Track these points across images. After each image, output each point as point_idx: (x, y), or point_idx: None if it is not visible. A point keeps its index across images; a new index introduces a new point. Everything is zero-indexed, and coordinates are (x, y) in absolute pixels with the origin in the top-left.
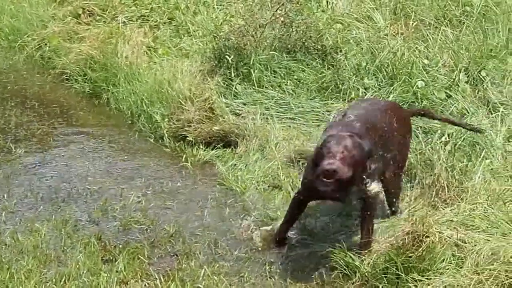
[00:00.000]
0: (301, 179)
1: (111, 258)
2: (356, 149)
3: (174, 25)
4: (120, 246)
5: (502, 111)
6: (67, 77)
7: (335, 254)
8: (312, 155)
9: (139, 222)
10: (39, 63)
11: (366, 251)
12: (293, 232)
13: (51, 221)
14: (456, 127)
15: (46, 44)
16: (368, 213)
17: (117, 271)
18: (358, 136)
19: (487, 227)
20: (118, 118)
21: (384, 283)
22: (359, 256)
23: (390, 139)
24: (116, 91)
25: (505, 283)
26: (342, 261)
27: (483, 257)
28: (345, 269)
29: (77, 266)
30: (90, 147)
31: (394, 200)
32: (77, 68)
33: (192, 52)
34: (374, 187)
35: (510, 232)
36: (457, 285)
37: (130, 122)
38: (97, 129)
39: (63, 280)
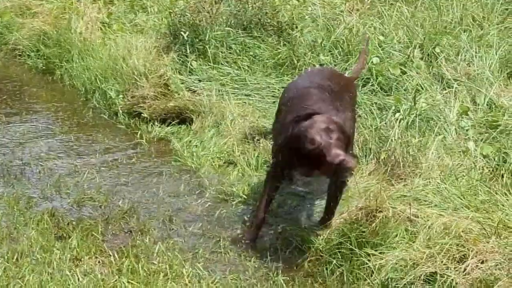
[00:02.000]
0: (273, 159)
1: (64, 235)
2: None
3: (129, 1)
4: (74, 223)
5: (455, 87)
6: (20, 53)
7: (290, 230)
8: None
9: (93, 199)
10: None
11: (327, 227)
12: (249, 209)
13: (3, 198)
14: None
15: None
16: (339, 190)
17: (70, 248)
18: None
19: (440, 202)
20: (72, 94)
21: (338, 257)
22: (314, 232)
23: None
24: (70, 67)
25: (456, 257)
26: (297, 236)
27: (435, 232)
28: (300, 245)
29: (30, 243)
30: (43, 124)
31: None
32: (30, 44)
33: (147, 28)
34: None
35: (462, 207)
36: (410, 259)
37: (84, 98)
38: (51, 106)
39: (15, 257)
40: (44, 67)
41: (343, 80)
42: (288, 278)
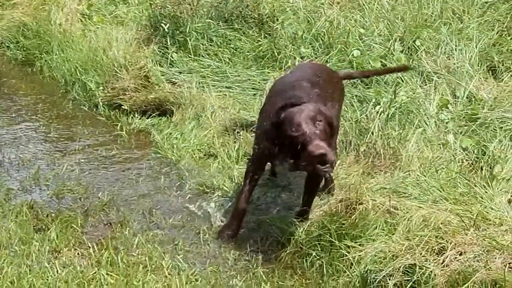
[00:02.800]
0: (255, 148)
1: (43, 227)
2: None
3: None
4: (53, 215)
5: (435, 80)
6: None
7: (269, 222)
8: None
9: (72, 191)
10: None
11: (305, 219)
12: (229, 201)
13: None
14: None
15: None
16: (316, 183)
17: (49, 240)
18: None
19: (419, 194)
20: (51, 86)
21: (318, 250)
22: (293, 224)
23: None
24: (50, 58)
25: (435, 249)
26: (277, 229)
27: (415, 224)
28: (279, 237)
29: (8, 235)
30: (23, 115)
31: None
32: (9, 35)
33: (128, 20)
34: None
35: (441, 199)
36: (389, 251)
37: (64, 90)
38: (30, 98)
39: None
40: (23, 59)
41: (333, 76)
42: (267, 270)
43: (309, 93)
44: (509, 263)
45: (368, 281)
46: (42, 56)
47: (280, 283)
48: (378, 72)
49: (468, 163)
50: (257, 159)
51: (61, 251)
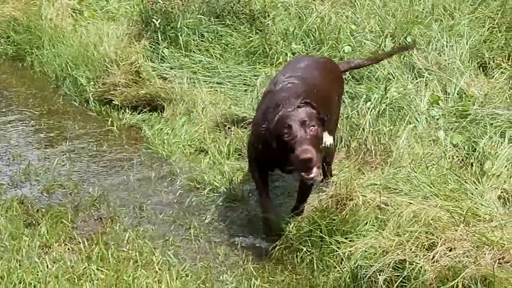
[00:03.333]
0: (249, 151)
1: (34, 222)
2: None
3: None
4: (43, 210)
5: (426, 77)
6: None
7: (260, 218)
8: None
9: (62, 186)
10: None
11: (297, 214)
12: (220, 197)
13: None
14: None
15: None
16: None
17: (39, 235)
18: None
19: (410, 190)
20: (42, 81)
21: (308, 245)
22: (284, 220)
23: (331, 99)
24: (41, 54)
25: (425, 244)
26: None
27: (405, 220)
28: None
29: None
30: (13, 111)
31: (328, 162)
32: (0, 30)
33: (119, 15)
34: (328, 139)
35: (431, 195)
36: (379, 247)
37: (54, 85)
38: (21, 93)
39: None
40: (14, 54)
41: (332, 69)
42: (258, 265)
43: (303, 93)
44: (499, 259)
45: (359, 276)
46: (33, 51)
47: (270, 278)
48: (377, 59)
49: (459, 159)
50: (254, 161)
51: (51, 246)
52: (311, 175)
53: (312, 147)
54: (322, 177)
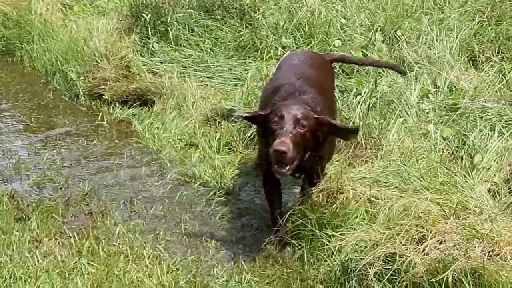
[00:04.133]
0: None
1: (24, 216)
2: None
3: None
4: (34, 204)
5: (416, 70)
6: None
7: (252, 212)
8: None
9: (53, 181)
10: None
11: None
12: (210, 190)
13: None
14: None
15: None
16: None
17: (30, 230)
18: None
19: (400, 183)
20: (32, 76)
21: (299, 239)
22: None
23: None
24: (30, 48)
25: (415, 237)
26: (259, 218)
27: (395, 213)
28: (261, 226)
29: None
30: (3, 105)
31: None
32: None
33: (109, 9)
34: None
35: (421, 189)
36: (370, 240)
37: (44, 80)
38: (11, 88)
39: None
40: (3, 49)
41: (322, 63)
42: (249, 259)
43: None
44: (489, 252)
45: (349, 269)
46: (23, 46)
47: (261, 272)
48: (365, 62)
49: (449, 152)
50: (262, 157)
51: (41, 241)
52: (282, 170)
53: (292, 143)
54: (307, 181)
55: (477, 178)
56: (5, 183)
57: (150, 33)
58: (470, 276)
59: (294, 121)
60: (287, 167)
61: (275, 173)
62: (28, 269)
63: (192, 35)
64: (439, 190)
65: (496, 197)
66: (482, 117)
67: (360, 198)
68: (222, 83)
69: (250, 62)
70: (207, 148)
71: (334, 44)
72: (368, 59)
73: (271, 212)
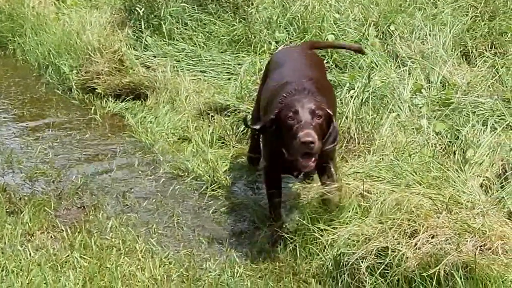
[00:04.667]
0: (264, 152)
1: (16, 210)
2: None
3: None
4: (26, 198)
5: (409, 65)
6: None
7: (245, 205)
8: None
9: (45, 174)
10: None
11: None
12: (203, 184)
13: None
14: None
15: None
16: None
17: (22, 223)
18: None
19: (392, 178)
20: (25, 69)
21: (291, 233)
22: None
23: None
24: (23, 42)
25: (407, 232)
26: (252, 212)
27: (388, 207)
28: (254, 220)
29: None
30: None
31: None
32: None
33: (102, 3)
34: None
35: (414, 183)
36: (362, 234)
37: (37, 73)
38: (3, 81)
39: None
40: None
41: (311, 56)
42: (241, 253)
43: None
44: (480, 246)
45: (341, 264)
46: (15, 39)
47: (253, 266)
48: (331, 45)
49: (441, 147)
50: (269, 157)
51: (34, 234)
52: (308, 163)
53: (315, 134)
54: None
55: (469, 173)
56: None
57: (143, 27)
58: (462, 270)
59: (310, 112)
60: (313, 159)
61: (301, 168)
62: (20, 263)
63: (185, 29)
64: (431, 185)
65: (488, 192)
66: (474, 112)
67: (353, 192)
68: (215, 77)
69: (243, 56)
70: (200, 142)
71: (327, 39)
72: (334, 42)
73: (270, 206)
